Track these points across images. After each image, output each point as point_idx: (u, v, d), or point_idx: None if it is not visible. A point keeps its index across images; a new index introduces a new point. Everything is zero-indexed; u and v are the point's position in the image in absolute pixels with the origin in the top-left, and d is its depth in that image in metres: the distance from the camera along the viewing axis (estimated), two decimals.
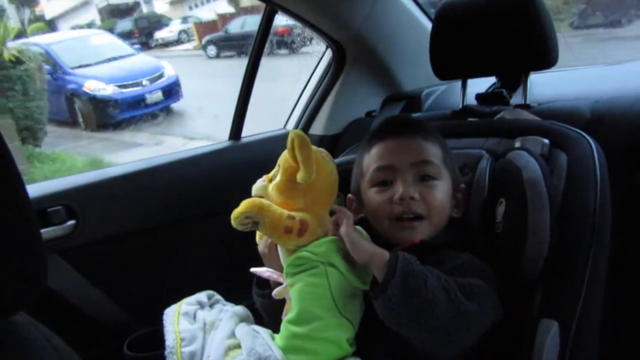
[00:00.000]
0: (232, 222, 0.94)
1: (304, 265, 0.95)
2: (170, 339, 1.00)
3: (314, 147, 0.99)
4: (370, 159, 1.10)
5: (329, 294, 0.93)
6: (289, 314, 0.96)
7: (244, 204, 0.95)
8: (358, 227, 1.01)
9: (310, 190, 0.98)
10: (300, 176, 0.95)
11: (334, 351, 0.93)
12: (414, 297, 0.85)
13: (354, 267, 0.95)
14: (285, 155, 1.00)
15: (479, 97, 1.47)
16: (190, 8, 12.27)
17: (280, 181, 1.00)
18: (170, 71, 6.84)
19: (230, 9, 11.18)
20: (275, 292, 1.05)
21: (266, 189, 1.03)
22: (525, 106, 1.37)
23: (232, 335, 1.00)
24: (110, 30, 9.23)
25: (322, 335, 0.92)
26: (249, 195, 1.03)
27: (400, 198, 1.02)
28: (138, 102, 6.43)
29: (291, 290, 0.97)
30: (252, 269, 1.08)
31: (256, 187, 1.06)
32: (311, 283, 0.94)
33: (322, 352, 0.92)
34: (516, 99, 1.43)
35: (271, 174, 1.04)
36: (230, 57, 8.97)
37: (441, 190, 1.05)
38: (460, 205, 1.11)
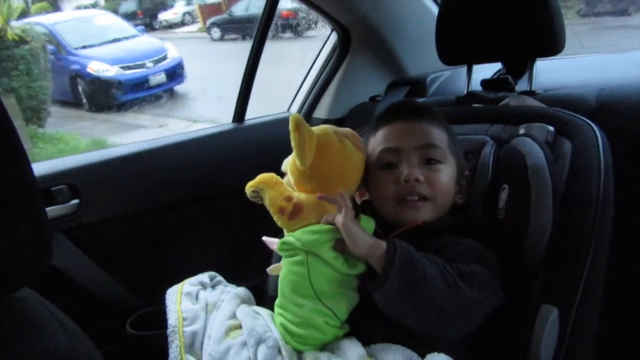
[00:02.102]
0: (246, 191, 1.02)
1: (288, 250, 0.96)
2: (172, 318, 1.01)
3: (334, 130, 1.00)
4: (377, 141, 1.11)
5: (308, 283, 0.93)
6: (277, 299, 0.98)
7: (258, 178, 1.02)
8: (366, 217, 1.00)
9: (315, 175, 0.98)
10: (296, 156, 0.95)
11: (320, 337, 0.93)
12: (414, 288, 0.85)
13: (343, 255, 0.94)
14: None
15: (484, 83, 1.46)
16: None
17: (292, 161, 1.00)
18: (173, 53, 6.82)
19: None
20: (270, 269, 1.07)
21: None
22: (531, 93, 1.37)
23: (233, 316, 1.01)
24: (114, 11, 9.17)
25: (304, 322, 0.93)
26: (251, 177, 1.05)
27: (405, 180, 1.02)
28: (141, 83, 6.42)
29: (280, 274, 0.98)
30: (264, 238, 1.09)
31: (285, 162, 1.07)
32: (292, 271, 0.95)
33: (309, 337, 0.93)
34: (521, 85, 1.43)
35: None
36: (235, 39, 8.92)
37: (446, 174, 1.06)
38: (464, 192, 1.11)
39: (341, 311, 0.94)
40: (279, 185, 1.01)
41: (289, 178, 1.04)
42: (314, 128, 0.98)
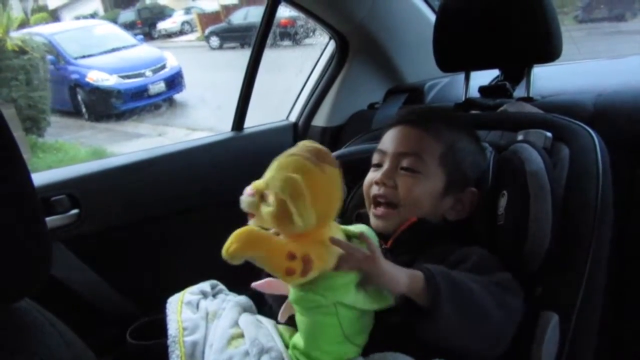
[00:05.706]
0: (224, 255, 0.81)
1: (312, 305, 0.87)
2: (172, 328, 1.01)
3: (306, 156, 0.84)
4: (379, 142, 1.13)
5: (339, 331, 0.87)
6: (297, 340, 0.91)
7: (237, 240, 0.81)
8: (363, 225, 0.96)
9: None
10: (295, 222, 0.80)
11: None
12: (467, 308, 0.84)
13: (366, 292, 0.86)
14: (276, 181, 0.83)
15: (482, 89, 1.47)
16: None
17: (275, 211, 0.82)
18: (173, 62, 6.83)
19: (233, 0, 11.13)
20: (280, 317, 0.98)
21: (257, 206, 0.85)
22: (529, 99, 1.37)
23: (235, 324, 1.00)
24: (114, 20, 9.20)
25: None
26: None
27: (376, 182, 1.05)
28: (141, 92, 6.43)
29: (298, 317, 0.91)
30: (254, 284, 1.00)
31: (247, 203, 0.87)
32: (321, 322, 0.87)
33: None
34: (519, 91, 1.43)
35: (260, 183, 0.86)
36: (233, 48, 8.94)
37: (422, 186, 1.03)
38: (462, 209, 1.07)
39: (364, 340, 0.91)
40: (270, 243, 0.83)
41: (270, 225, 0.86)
42: (284, 161, 0.84)
